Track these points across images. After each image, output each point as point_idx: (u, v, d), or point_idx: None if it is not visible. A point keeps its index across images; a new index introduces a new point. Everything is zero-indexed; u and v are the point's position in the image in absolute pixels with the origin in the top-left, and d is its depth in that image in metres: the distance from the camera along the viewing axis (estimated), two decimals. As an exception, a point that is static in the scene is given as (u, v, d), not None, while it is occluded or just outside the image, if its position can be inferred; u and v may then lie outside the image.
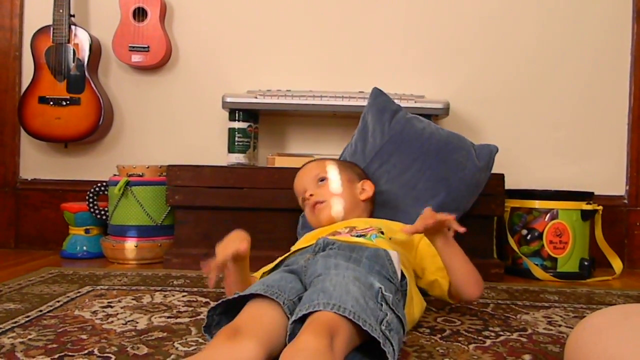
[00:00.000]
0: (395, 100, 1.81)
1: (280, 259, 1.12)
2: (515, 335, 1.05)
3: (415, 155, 1.51)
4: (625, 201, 2.00)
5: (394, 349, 0.79)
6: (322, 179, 1.29)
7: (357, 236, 1.13)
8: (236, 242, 0.95)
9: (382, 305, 0.85)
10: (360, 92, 1.86)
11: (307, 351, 0.69)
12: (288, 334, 0.79)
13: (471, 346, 0.98)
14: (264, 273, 1.11)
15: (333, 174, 1.30)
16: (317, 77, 2.02)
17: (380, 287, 0.88)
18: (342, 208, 1.26)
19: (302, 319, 0.78)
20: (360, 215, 1.28)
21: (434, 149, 1.52)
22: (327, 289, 0.83)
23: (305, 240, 1.17)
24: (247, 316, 0.84)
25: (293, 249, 1.14)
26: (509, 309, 1.26)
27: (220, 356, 0.74)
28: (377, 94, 1.64)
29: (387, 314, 0.83)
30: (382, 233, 1.13)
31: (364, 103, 1.81)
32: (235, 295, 0.88)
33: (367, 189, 1.33)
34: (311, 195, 1.27)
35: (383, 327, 0.80)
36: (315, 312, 0.78)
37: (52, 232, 2.03)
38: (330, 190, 1.27)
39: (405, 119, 1.58)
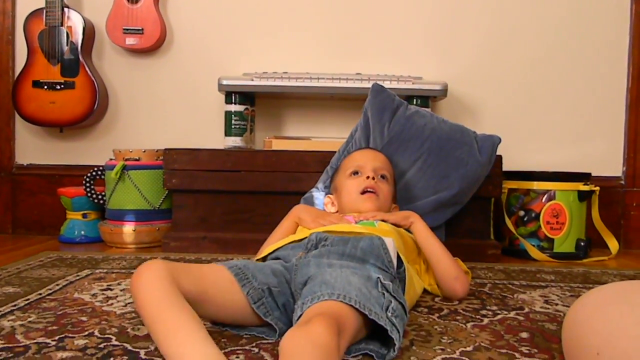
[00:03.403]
0: (393, 82, 1.80)
1: (282, 243, 1.10)
2: (512, 314, 1.06)
3: (416, 155, 1.51)
4: (622, 182, 2.01)
5: (399, 335, 0.79)
6: (385, 177, 1.29)
7: (360, 221, 1.15)
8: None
9: (384, 294, 0.85)
10: (357, 73, 1.85)
11: (321, 348, 0.66)
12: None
13: (469, 324, 0.99)
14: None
15: (391, 183, 1.32)
16: (314, 59, 2.00)
17: (379, 277, 0.88)
18: (377, 210, 1.25)
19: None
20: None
21: (435, 147, 1.51)
22: (328, 281, 0.82)
23: (303, 232, 1.15)
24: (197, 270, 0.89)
25: (288, 240, 1.12)
26: (506, 289, 1.27)
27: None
28: (377, 90, 1.60)
29: (391, 302, 0.83)
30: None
31: (362, 85, 1.80)
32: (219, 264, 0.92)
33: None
34: (373, 179, 1.26)
35: (389, 314, 0.81)
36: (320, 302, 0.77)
37: (50, 217, 2.03)
38: (385, 193, 1.27)
39: (405, 118, 1.56)
